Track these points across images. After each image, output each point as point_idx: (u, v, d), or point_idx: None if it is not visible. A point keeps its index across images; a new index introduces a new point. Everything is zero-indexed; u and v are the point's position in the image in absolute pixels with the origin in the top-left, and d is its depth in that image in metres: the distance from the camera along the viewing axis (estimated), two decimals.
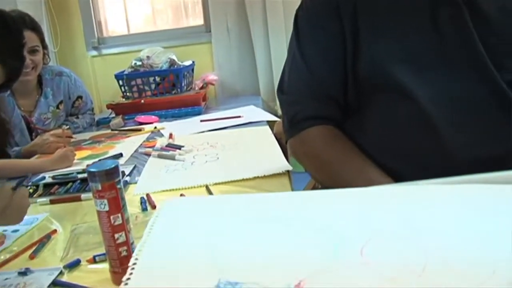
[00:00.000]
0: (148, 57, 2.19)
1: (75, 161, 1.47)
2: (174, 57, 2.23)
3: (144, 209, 1.04)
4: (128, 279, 0.46)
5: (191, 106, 2.11)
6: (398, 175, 0.86)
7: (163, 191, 1.13)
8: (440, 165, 0.70)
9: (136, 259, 0.50)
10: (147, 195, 1.11)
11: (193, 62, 2.34)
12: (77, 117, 2.04)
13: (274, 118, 1.84)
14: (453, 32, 0.89)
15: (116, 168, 0.69)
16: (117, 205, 0.70)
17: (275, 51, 2.37)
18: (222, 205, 0.65)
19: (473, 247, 0.49)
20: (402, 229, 0.54)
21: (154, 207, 1.04)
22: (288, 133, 0.99)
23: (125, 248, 0.72)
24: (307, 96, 0.96)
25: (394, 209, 0.59)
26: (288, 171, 1.16)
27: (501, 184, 0.62)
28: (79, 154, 1.54)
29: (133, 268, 0.48)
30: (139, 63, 2.20)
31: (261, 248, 0.52)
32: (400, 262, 0.47)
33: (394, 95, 0.89)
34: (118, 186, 0.70)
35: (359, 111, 0.95)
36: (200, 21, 2.60)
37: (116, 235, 0.71)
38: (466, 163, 0.71)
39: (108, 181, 0.68)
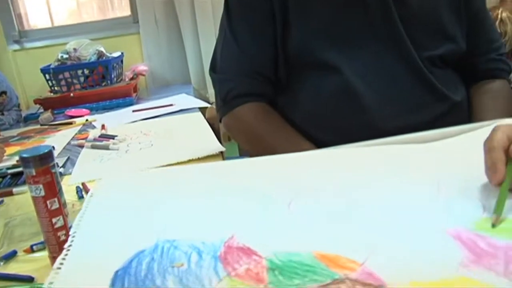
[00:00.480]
0: (75, 49, 2.15)
1: (4, 157, 1.43)
2: (102, 49, 2.20)
3: (81, 197, 1.04)
4: (67, 253, 0.48)
5: (122, 98, 2.09)
6: (327, 147, 0.92)
7: (99, 179, 1.13)
8: (366, 135, 0.77)
9: (74, 236, 0.52)
10: (83, 183, 1.11)
11: (122, 53, 2.31)
12: (2, 114, 1.97)
13: (206, 104, 1.87)
14: (377, 11, 0.95)
15: (50, 152, 0.69)
16: (53, 189, 0.71)
17: (204, 39, 2.39)
18: (154, 178, 0.68)
19: (393, 195, 0.55)
20: (328, 186, 0.60)
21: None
22: (222, 110, 1.03)
23: (63, 232, 0.73)
24: (239, 74, 1.00)
25: (320, 169, 0.65)
26: (221, 153, 1.19)
27: (415, 144, 0.70)
28: (8, 151, 1.50)
29: (70, 245, 0.50)
30: (66, 56, 2.15)
31: (195, 211, 0.56)
32: (326, 210, 0.53)
33: (323, 71, 0.95)
34: (53, 171, 0.70)
35: (291, 87, 1.00)
36: (127, 12, 2.57)
37: (54, 220, 0.72)
38: (389, 133, 0.78)
39: (42, 166, 0.69)
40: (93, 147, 1.43)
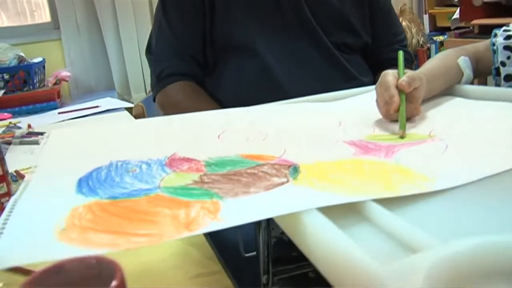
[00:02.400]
0: None
1: None
2: (22, 54, 2.20)
3: (15, 181, 1.08)
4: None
5: (46, 102, 2.10)
6: None
7: (34, 166, 1.17)
8: None
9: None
10: (16, 171, 1.15)
11: (43, 59, 2.32)
12: None
13: (131, 105, 1.93)
14: (290, 6, 1.11)
15: None
16: None
17: (126, 44, 2.46)
18: (101, 130, 0.77)
19: (306, 123, 0.69)
20: (249, 124, 0.73)
21: (23, 177, 1.09)
22: (156, 88, 1.13)
23: (6, 199, 0.79)
24: (171, 55, 1.12)
25: (245, 116, 0.78)
26: None
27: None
28: None
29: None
30: None
31: (141, 141, 0.66)
32: (246, 138, 0.66)
33: (244, 55, 1.09)
34: None
35: (217, 70, 1.13)
36: (46, 18, 2.58)
37: None
38: None
39: None
40: (21, 143, 1.46)
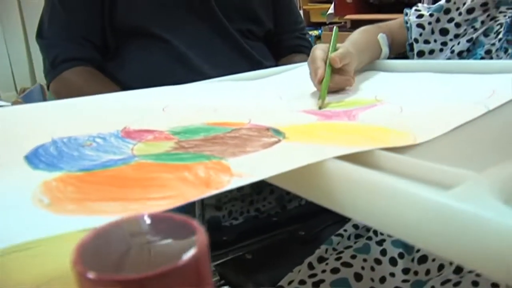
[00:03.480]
0: None
1: None
2: None
3: None
4: None
5: None
6: None
7: None
8: None
9: None
10: None
11: None
12: None
13: (6, 103, 1.77)
14: None
15: None
16: None
17: (11, 44, 2.25)
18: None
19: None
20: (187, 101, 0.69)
21: None
22: (50, 75, 1.03)
23: None
24: (66, 39, 1.03)
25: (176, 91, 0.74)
26: None
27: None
28: None
29: None
30: None
31: (83, 117, 0.60)
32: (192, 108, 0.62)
33: (151, 39, 1.06)
34: None
35: (120, 53, 1.07)
36: None
37: None
38: None
39: None
40: None
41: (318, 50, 0.73)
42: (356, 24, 2.36)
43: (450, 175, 0.33)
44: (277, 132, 0.48)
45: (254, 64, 1.14)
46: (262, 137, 0.46)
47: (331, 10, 2.39)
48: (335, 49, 0.73)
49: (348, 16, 2.32)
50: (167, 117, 0.59)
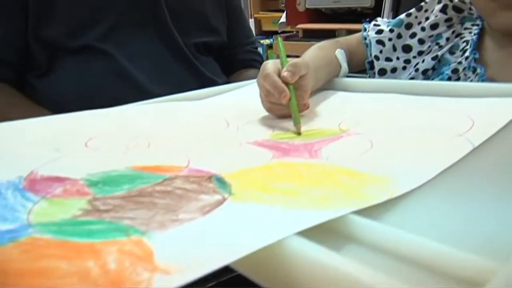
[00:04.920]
0: None
1: None
2: None
3: None
4: None
5: None
6: None
7: None
8: None
9: None
10: None
11: None
12: None
13: None
14: (145, 3, 0.98)
15: None
16: None
17: None
18: None
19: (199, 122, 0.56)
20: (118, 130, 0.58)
21: None
22: None
23: None
24: None
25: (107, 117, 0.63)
26: None
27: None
28: None
29: None
30: None
31: None
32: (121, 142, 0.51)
33: (89, 53, 0.94)
34: None
35: (52, 69, 0.95)
36: None
37: None
38: None
39: None
40: None
41: (270, 64, 0.62)
42: (308, 34, 2.29)
43: (472, 268, 0.24)
44: (221, 183, 0.37)
45: (206, 82, 1.06)
46: (201, 193, 0.35)
47: (283, 19, 2.31)
48: (286, 63, 0.63)
49: (300, 26, 2.25)
50: (88, 156, 0.48)
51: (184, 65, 1.03)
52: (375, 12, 1.90)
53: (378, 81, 0.75)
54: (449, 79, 0.78)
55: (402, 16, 0.86)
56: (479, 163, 0.42)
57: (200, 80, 1.05)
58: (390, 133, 0.52)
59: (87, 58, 0.94)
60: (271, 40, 2.66)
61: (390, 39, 0.83)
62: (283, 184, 0.37)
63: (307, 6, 2.22)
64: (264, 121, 0.62)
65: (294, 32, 2.39)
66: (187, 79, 1.03)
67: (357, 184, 0.37)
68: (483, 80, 0.73)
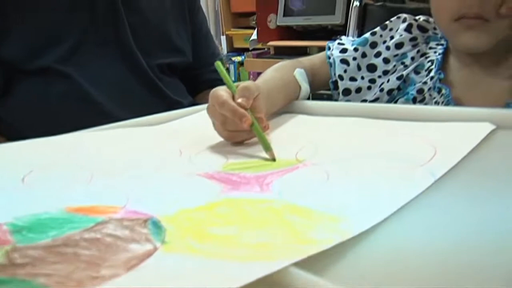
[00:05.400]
0: None
1: None
2: None
3: None
4: None
5: None
6: None
7: None
8: None
9: None
10: None
11: None
12: None
13: None
14: (106, 18, 0.96)
15: None
16: None
17: None
18: None
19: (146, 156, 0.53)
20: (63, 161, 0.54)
21: None
22: None
23: None
24: None
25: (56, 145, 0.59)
26: None
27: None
28: None
29: None
30: None
31: None
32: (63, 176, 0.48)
33: (49, 77, 0.91)
34: None
35: (9, 92, 0.92)
36: None
37: None
38: None
39: None
40: None
41: (223, 91, 0.58)
42: (279, 51, 2.28)
43: None
44: (157, 228, 0.34)
45: (171, 103, 1.03)
46: (132, 241, 0.32)
47: (254, 36, 2.30)
48: (235, 88, 0.59)
49: (271, 43, 2.23)
50: (21, 195, 0.44)
51: (147, 87, 1.00)
52: (345, 29, 1.90)
53: (340, 104, 0.73)
54: (414, 99, 0.76)
55: (367, 35, 0.84)
56: (439, 195, 0.39)
57: (164, 102, 1.02)
58: (349, 162, 0.49)
59: (46, 80, 0.91)
60: (243, 57, 2.65)
61: (354, 58, 0.81)
62: (224, 229, 0.34)
63: (278, 24, 2.21)
64: (219, 148, 0.59)
65: (266, 49, 2.38)
66: (151, 101, 1.00)
67: (306, 225, 0.34)
68: (448, 100, 0.72)
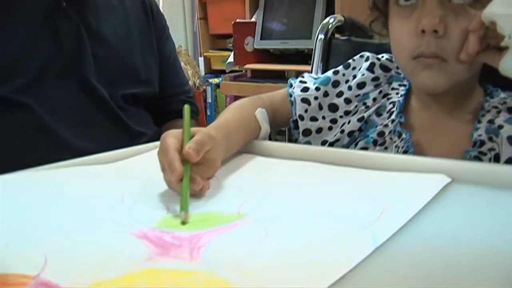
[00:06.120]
0: None
1: None
2: None
3: None
4: None
5: None
6: None
7: None
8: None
9: None
10: None
11: None
12: None
13: None
14: (70, 48, 0.94)
15: None
16: None
17: None
18: None
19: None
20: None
21: None
22: None
23: None
24: None
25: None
26: None
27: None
28: None
29: None
30: None
31: None
32: None
33: (6, 107, 0.89)
34: None
35: None
36: None
37: None
38: None
39: None
40: None
41: (170, 138, 0.56)
42: (256, 74, 2.26)
43: None
44: None
45: (134, 135, 1.01)
46: None
47: (230, 59, 2.28)
48: (191, 136, 0.57)
49: (248, 66, 2.22)
50: None
51: (109, 118, 0.98)
52: None
53: (298, 147, 0.70)
54: (375, 142, 0.74)
55: (330, 73, 0.82)
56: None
57: (127, 134, 1.00)
58: (290, 216, 0.47)
59: (3, 111, 0.89)
60: (220, 79, 2.63)
61: (316, 98, 0.79)
62: None
63: (255, 47, 2.20)
64: (161, 197, 0.56)
65: (243, 72, 2.36)
66: (114, 133, 0.98)
67: None
68: (408, 146, 0.70)
